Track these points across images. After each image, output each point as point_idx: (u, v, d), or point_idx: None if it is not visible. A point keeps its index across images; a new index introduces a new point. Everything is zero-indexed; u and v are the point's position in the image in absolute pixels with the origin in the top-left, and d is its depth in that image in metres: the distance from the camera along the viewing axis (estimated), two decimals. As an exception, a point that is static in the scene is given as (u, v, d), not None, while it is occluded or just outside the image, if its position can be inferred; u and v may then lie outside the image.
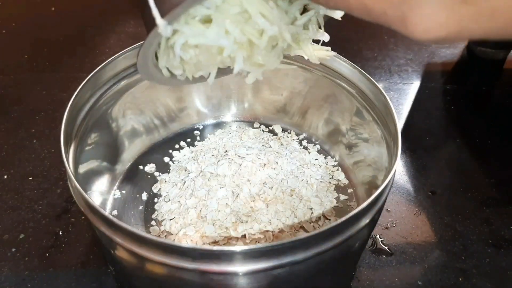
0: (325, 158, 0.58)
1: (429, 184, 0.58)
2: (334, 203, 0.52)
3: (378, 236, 0.51)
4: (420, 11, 0.20)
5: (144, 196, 0.53)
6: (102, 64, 0.48)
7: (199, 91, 0.60)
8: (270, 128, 0.63)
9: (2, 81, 0.73)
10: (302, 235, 0.33)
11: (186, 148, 0.59)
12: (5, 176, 0.57)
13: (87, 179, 0.49)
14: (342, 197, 0.53)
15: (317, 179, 0.54)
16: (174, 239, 0.47)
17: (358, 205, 0.50)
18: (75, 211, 0.53)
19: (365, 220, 0.37)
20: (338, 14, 0.32)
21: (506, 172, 0.60)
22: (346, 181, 0.55)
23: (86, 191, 0.38)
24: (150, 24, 0.27)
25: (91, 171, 0.50)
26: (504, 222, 0.54)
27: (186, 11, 0.27)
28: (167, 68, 0.33)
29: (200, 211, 0.49)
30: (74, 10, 0.93)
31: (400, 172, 0.59)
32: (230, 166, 0.52)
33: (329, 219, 0.50)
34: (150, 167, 0.57)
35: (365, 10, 0.22)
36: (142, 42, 0.50)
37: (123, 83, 0.51)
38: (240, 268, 0.33)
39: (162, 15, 0.26)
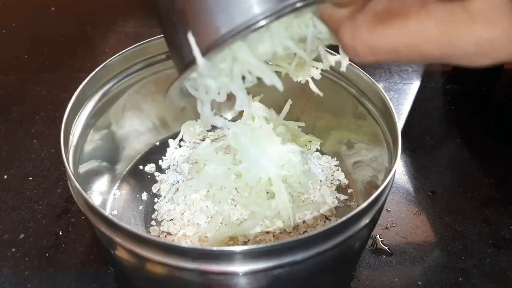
0: (325, 158, 0.58)
1: (429, 184, 0.58)
2: (335, 203, 0.52)
3: (378, 236, 0.51)
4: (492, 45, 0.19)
5: (144, 196, 0.53)
6: (102, 64, 0.48)
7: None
8: (270, 128, 0.62)
9: (2, 81, 0.73)
10: (302, 235, 0.33)
11: (185, 148, 0.59)
12: (5, 176, 0.57)
13: (87, 179, 0.49)
14: (342, 197, 0.53)
15: (318, 179, 0.54)
16: (173, 240, 0.47)
17: (358, 205, 0.50)
18: (75, 211, 0.53)
19: (365, 220, 0.37)
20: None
21: (506, 172, 0.60)
22: (346, 181, 0.55)
23: (86, 191, 0.38)
24: (184, 58, 0.26)
25: (91, 171, 0.50)
26: (504, 222, 0.54)
27: (226, 48, 0.26)
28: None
29: (200, 211, 0.49)
30: (74, 10, 0.93)
31: (400, 172, 0.59)
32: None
33: (329, 219, 0.50)
34: (150, 167, 0.57)
35: (422, 56, 0.21)
36: (142, 42, 0.50)
37: (123, 83, 0.51)
38: (240, 268, 0.33)
39: (201, 50, 0.25)
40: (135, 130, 0.57)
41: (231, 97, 0.33)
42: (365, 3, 0.22)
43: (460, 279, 0.48)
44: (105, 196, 0.52)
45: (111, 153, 0.54)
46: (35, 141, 0.62)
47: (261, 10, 0.23)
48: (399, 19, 0.20)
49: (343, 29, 0.22)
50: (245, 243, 0.47)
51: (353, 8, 0.22)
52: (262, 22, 0.23)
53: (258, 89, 0.56)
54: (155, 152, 0.59)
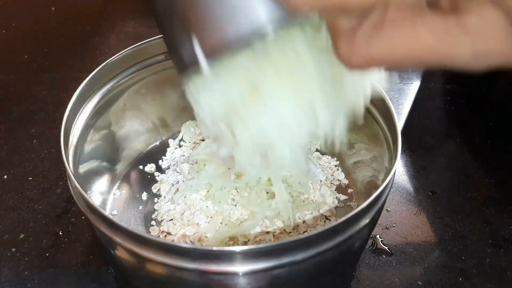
0: (325, 158, 0.58)
1: (429, 184, 0.58)
2: (335, 203, 0.52)
3: (378, 236, 0.51)
4: None
5: (144, 196, 0.53)
6: (102, 64, 0.48)
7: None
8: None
9: (2, 81, 0.73)
10: (302, 235, 0.33)
11: (185, 148, 0.59)
12: (5, 176, 0.57)
13: (87, 179, 0.49)
14: (342, 197, 0.53)
15: (318, 179, 0.54)
16: (173, 240, 0.47)
17: (358, 205, 0.50)
18: (75, 211, 0.53)
19: (365, 220, 0.37)
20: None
21: (506, 171, 0.60)
22: (346, 181, 0.55)
23: (86, 191, 0.38)
24: (185, 60, 0.25)
25: (91, 171, 0.50)
26: (504, 222, 0.54)
27: (230, 53, 0.25)
28: None
29: (200, 211, 0.49)
30: (74, 10, 0.93)
31: (400, 172, 0.59)
32: (230, 166, 0.52)
33: (329, 219, 0.50)
34: (150, 167, 0.57)
35: None
36: (142, 42, 0.50)
37: (123, 83, 0.51)
38: (240, 268, 0.33)
39: (204, 53, 0.24)
40: (135, 130, 0.57)
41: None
42: (366, 15, 0.22)
43: (460, 279, 0.48)
44: (105, 196, 0.52)
45: (111, 153, 0.54)
46: (35, 141, 0.62)
47: (268, 18, 0.23)
48: (395, 28, 0.20)
49: (340, 43, 0.22)
50: (245, 243, 0.47)
51: (355, 21, 0.22)
52: (269, 29, 0.23)
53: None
54: (155, 152, 0.59)
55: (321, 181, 0.54)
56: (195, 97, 0.29)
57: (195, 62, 0.25)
